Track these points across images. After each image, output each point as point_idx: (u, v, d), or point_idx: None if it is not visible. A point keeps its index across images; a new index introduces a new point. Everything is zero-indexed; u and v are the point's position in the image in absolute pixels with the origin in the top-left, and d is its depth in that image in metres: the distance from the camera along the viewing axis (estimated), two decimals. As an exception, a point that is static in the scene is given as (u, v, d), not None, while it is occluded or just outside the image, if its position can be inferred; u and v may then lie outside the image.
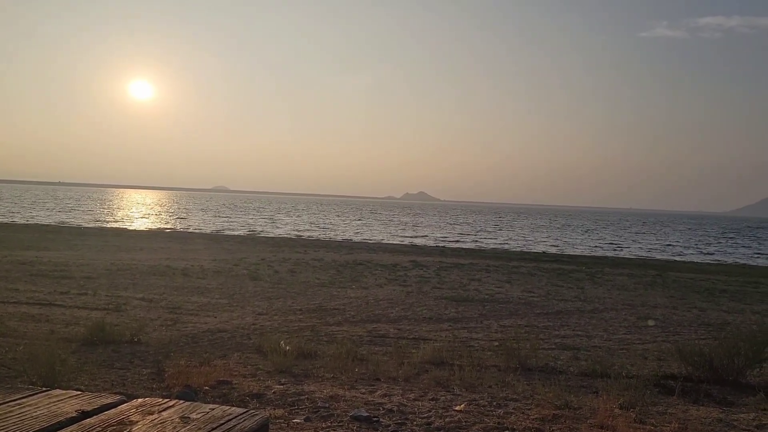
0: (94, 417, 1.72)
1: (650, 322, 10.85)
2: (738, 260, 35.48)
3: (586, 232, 65.74)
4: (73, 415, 1.72)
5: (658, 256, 34.95)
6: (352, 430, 4.53)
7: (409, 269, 17.66)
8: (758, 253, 42.84)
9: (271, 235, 38.99)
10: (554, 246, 40.60)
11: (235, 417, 1.77)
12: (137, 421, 1.70)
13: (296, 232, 43.17)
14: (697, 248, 45.78)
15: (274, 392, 5.40)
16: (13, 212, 53.43)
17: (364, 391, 5.60)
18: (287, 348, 6.65)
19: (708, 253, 40.54)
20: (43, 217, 48.25)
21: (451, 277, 16.28)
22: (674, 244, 50.10)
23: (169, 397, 2.04)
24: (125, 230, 36.68)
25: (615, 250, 39.95)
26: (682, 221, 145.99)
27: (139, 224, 45.95)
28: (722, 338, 7.24)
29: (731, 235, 72.68)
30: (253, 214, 73.42)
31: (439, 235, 47.61)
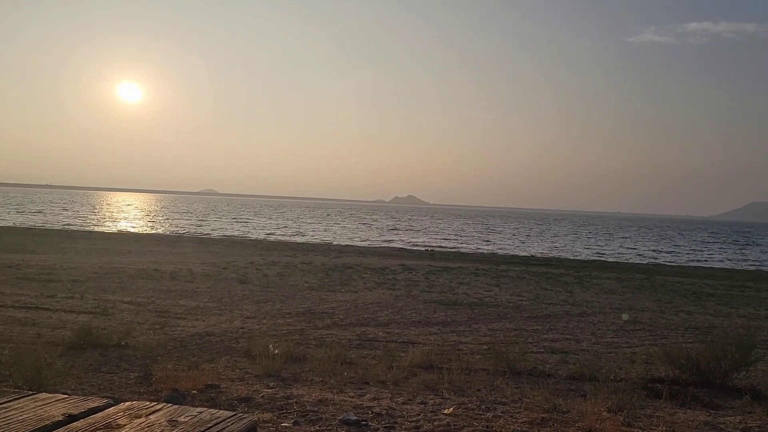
0: (81, 420, 1.71)
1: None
2: (724, 265, 35.77)
3: (575, 235, 66.06)
4: (60, 418, 1.71)
5: (646, 260, 35.18)
6: (341, 433, 4.52)
7: (398, 273, 17.67)
8: (744, 258, 43.23)
9: (260, 238, 38.86)
10: (543, 250, 40.74)
11: (223, 420, 1.77)
12: (125, 425, 1.69)
13: (285, 236, 43.04)
14: (685, 252, 46.13)
15: (262, 396, 5.38)
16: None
17: (353, 394, 5.59)
18: (276, 352, 6.63)
19: (695, 258, 40.86)
20: (24, 220, 47.72)
21: (440, 280, 16.30)
22: (662, 248, 50.43)
23: (157, 400, 2.03)
24: (113, 233, 36.43)
25: (603, 253, 40.15)
26: (670, 225, 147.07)
27: (127, 227, 45.62)
28: (709, 342, 7.29)
29: (718, 239, 73.29)
30: (241, 218, 73.13)
31: (428, 239, 47.64)
